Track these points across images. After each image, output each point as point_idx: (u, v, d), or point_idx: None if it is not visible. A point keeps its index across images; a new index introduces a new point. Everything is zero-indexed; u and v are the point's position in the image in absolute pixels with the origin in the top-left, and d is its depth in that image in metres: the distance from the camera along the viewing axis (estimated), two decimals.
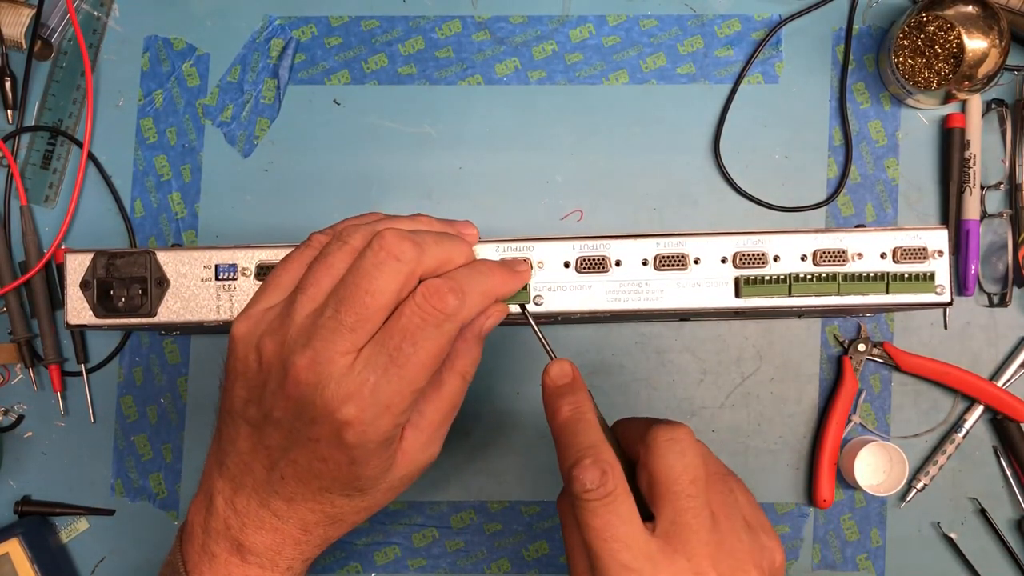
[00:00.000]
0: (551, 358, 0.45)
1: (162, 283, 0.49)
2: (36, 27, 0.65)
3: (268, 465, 0.43)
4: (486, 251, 0.48)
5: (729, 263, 0.48)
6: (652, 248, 0.48)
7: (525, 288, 0.47)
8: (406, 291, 0.40)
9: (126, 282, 0.49)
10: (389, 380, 0.39)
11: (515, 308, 0.47)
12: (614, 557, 0.38)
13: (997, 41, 0.60)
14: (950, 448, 0.63)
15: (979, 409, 0.64)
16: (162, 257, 0.49)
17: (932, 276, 0.48)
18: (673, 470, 0.40)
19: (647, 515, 0.40)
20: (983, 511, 0.63)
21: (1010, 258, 0.63)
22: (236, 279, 0.49)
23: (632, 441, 0.43)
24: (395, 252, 0.39)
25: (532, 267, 0.48)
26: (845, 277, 0.48)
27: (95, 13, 0.66)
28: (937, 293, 0.48)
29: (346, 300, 0.39)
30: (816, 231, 0.48)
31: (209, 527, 0.44)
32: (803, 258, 0.48)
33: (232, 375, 0.43)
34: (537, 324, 0.47)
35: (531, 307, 0.48)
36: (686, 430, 0.41)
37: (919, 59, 0.62)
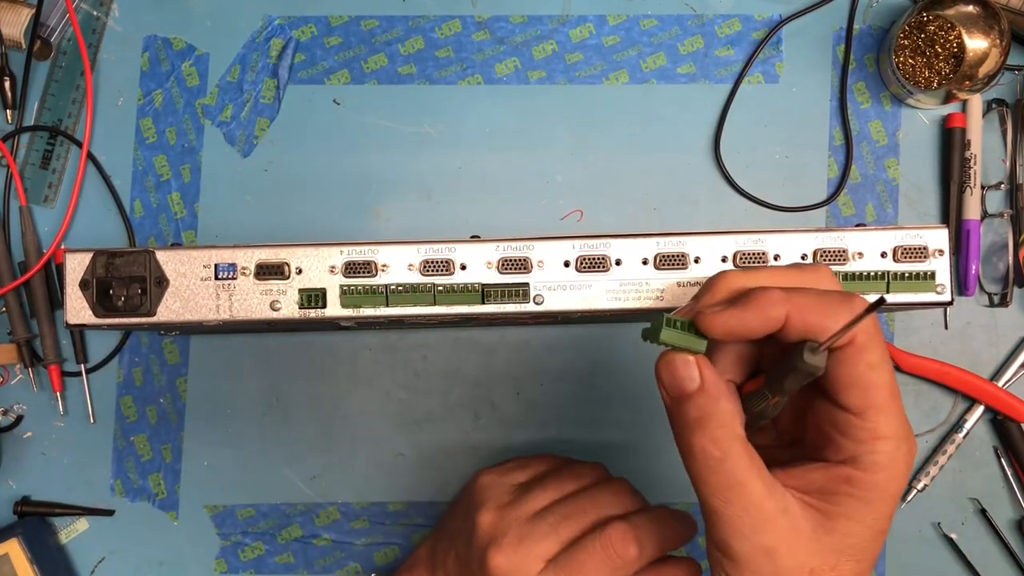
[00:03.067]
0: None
1: (161, 282, 0.49)
2: (35, 27, 0.65)
3: None
4: (486, 251, 0.48)
5: (730, 262, 0.48)
6: (652, 247, 0.48)
7: None
8: None
9: (125, 281, 0.49)
10: None
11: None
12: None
13: (998, 41, 0.60)
14: (950, 448, 0.63)
15: (979, 409, 0.63)
16: (161, 256, 0.49)
17: (932, 275, 0.48)
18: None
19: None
20: (983, 511, 0.63)
21: (1011, 258, 0.63)
22: (236, 278, 0.49)
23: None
24: (619, 551, 0.45)
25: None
26: (845, 276, 0.48)
27: (94, 13, 0.66)
28: (937, 292, 0.48)
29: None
30: (816, 230, 0.48)
31: None
32: (803, 257, 0.48)
33: (464, 508, 0.54)
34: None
35: (531, 307, 0.48)
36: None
37: (919, 59, 0.62)
